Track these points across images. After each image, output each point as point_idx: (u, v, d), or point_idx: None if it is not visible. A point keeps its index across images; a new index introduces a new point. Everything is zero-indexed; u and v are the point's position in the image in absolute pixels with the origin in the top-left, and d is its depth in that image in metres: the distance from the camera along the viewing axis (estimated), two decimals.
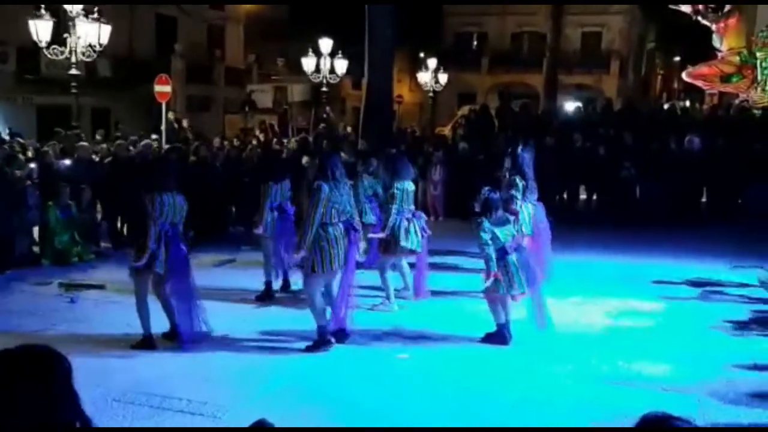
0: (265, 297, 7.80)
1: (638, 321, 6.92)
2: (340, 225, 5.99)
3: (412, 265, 7.71)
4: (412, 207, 7.57)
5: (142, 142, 12.26)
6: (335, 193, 5.91)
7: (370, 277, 7.55)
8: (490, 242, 6.05)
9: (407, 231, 7.30)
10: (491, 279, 6.04)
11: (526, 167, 7.62)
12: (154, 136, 15.07)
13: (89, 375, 4.99)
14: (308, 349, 5.97)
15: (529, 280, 6.18)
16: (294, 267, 7.50)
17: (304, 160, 13.19)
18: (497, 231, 6.11)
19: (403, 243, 7.26)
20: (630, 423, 4.57)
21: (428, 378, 5.42)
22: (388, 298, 7.38)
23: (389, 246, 7.35)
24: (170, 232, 6.00)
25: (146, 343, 6.03)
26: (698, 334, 6.56)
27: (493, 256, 6.04)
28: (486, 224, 6.09)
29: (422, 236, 7.47)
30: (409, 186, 7.55)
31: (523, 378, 5.42)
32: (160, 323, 6.21)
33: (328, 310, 6.20)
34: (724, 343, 6.26)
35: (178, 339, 6.09)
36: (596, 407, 4.84)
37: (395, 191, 7.35)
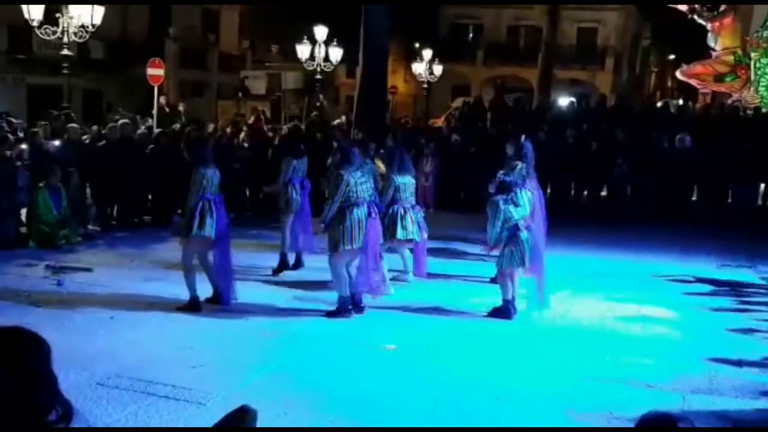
0: (280, 270, 8.21)
1: (624, 317, 6.94)
2: (365, 206, 6.40)
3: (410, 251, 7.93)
4: (412, 200, 7.71)
5: (120, 121, 12.15)
6: (357, 177, 6.39)
7: None
8: (499, 224, 6.56)
9: (404, 221, 7.46)
10: (492, 251, 6.78)
11: (528, 154, 7.73)
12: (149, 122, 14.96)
13: (74, 358, 4.99)
14: (329, 315, 6.46)
15: (533, 259, 6.58)
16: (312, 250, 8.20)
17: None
18: (512, 210, 6.58)
19: (399, 233, 7.43)
20: (615, 419, 4.59)
21: (412, 369, 5.41)
22: (383, 281, 7.49)
23: (385, 233, 7.42)
24: (215, 201, 6.59)
25: (192, 305, 6.58)
26: (684, 330, 6.59)
27: (498, 233, 6.58)
28: (501, 204, 6.56)
29: (420, 228, 7.66)
30: (409, 179, 7.69)
31: (507, 371, 5.42)
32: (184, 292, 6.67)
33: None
34: (709, 340, 6.28)
35: (222, 301, 6.74)
36: (581, 402, 4.85)
37: (393, 182, 7.51)
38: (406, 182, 7.63)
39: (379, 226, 6.69)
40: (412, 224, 7.52)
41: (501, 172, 7.15)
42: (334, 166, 6.83)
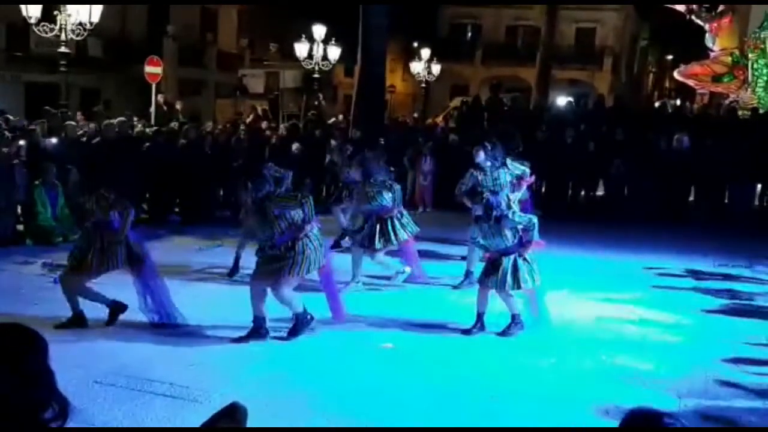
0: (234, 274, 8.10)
1: (621, 316, 6.95)
2: (318, 224, 6.06)
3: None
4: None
5: (116, 120, 12.14)
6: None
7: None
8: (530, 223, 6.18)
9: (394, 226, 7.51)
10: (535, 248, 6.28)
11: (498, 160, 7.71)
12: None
13: (71, 356, 4.98)
14: (290, 335, 5.99)
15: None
16: None
17: (294, 147, 13.17)
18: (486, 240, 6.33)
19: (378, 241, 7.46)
20: (610, 417, 4.59)
21: (409, 369, 5.42)
22: (397, 272, 7.68)
23: (372, 241, 7.50)
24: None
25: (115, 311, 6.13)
26: (681, 330, 6.60)
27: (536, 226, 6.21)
28: (510, 215, 6.25)
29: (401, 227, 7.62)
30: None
31: (503, 370, 5.44)
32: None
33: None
34: (706, 340, 6.29)
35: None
36: (577, 401, 4.86)
37: (395, 186, 7.65)
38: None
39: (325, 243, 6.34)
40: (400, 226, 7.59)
41: (487, 191, 6.76)
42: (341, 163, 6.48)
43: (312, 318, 6.07)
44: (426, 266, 8.13)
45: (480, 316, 6.31)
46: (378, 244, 7.45)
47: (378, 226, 7.45)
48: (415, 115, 21.30)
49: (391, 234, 7.46)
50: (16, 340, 1.87)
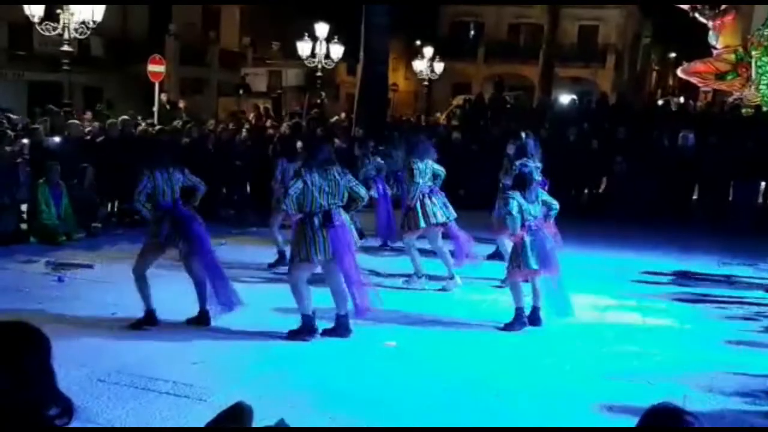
0: (277, 266, 8.18)
1: (625, 315, 6.94)
2: (320, 215, 5.76)
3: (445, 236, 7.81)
4: (430, 183, 7.62)
5: (120, 118, 12.15)
6: (317, 181, 5.72)
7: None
8: (516, 215, 6.19)
9: (424, 207, 7.44)
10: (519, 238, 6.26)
11: (531, 153, 7.70)
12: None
13: (74, 355, 4.99)
14: (290, 335, 5.91)
15: (544, 262, 6.22)
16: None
17: (298, 145, 13.17)
18: (525, 206, 6.26)
19: (421, 220, 7.41)
20: (615, 416, 4.57)
21: (412, 367, 5.41)
22: (416, 274, 7.63)
23: (409, 223, 7.49)
24: (176, 210, 6.07)
25: (148, 319, 6.04)
26: (685, 328, 6.59)
27: (518, 224, 6.21)
28: (517, 198, 6.23)
29: (446, 207, 7.59)
30: (428, 164, 7.66)
31: (508, 369, 5.43)
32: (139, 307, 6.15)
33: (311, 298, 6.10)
34: (711, 338, 6.28)
35: (206, 321, 6.16)
36: (580, 398, 4.85)
37: (413, 168, 7.48)
38: (426, 167, 7.59)
39: (347, 234, 5.92)
40: (439, 207, 7.46)
41: (519, 162, 6.88)
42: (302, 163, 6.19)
43: (316, 331, 5.93)
44: (427, 264, 8.12)
45: (522, 311, 6.31)
46: (421, 223, 7.41)
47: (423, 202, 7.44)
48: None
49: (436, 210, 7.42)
50: (17, 338, 1.86)
